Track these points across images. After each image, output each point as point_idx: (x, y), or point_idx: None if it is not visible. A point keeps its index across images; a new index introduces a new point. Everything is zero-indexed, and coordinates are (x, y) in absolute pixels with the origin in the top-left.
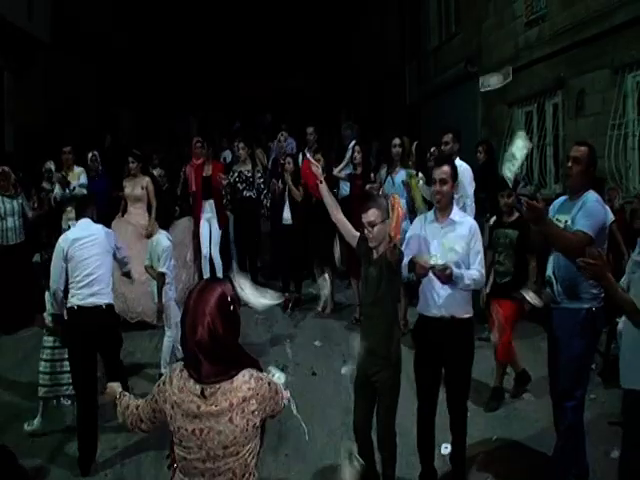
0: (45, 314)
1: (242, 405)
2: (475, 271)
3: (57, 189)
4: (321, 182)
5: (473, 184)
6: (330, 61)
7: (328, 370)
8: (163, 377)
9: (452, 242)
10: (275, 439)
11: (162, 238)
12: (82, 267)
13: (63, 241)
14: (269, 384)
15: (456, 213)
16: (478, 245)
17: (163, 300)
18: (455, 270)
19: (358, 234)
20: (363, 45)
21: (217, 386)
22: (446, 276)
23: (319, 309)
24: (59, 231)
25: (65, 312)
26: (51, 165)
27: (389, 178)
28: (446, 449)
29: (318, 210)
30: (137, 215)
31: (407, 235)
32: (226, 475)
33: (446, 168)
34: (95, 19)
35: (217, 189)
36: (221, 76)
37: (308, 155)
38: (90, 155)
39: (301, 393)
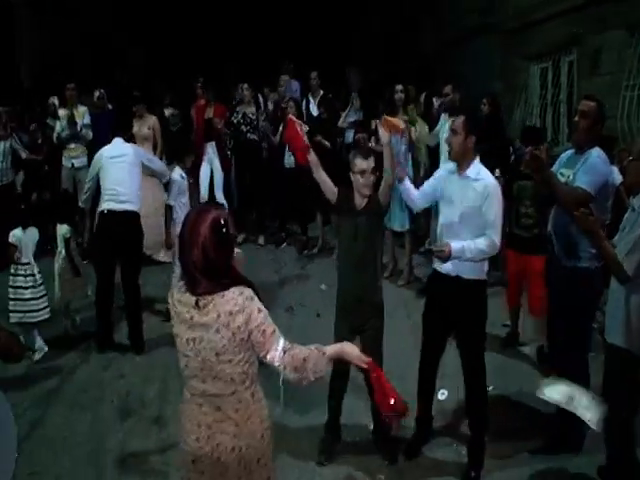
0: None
1: (228, 318)
2: (483, 239)
3: (59, 126)
4: (309, 149)
5: None
6: (344, 10)
7: (331, 313)
8: (170, 291)
9: (464, 199)
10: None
11: (173, 173)
12: (113, 180)
13: (98, 158)
14: (259, 310)
15: (474, 169)
16: (493, 209)
17: (172, 235)
18: (454, 247)
19: (337, 189)
20: None
21: (209, 298)
22: (445, 257)
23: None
24: (59, 169)
25: (96, 217)
26: (54, 100)
27: None
28: (443, 395)
29: (320, 154)
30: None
31: (435, 173)
32: (225, 379)
33: (458, 119)
34: None
35: (218, 131)
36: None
37: (292, 115)
38: (97, 93)
39: (305, 333)
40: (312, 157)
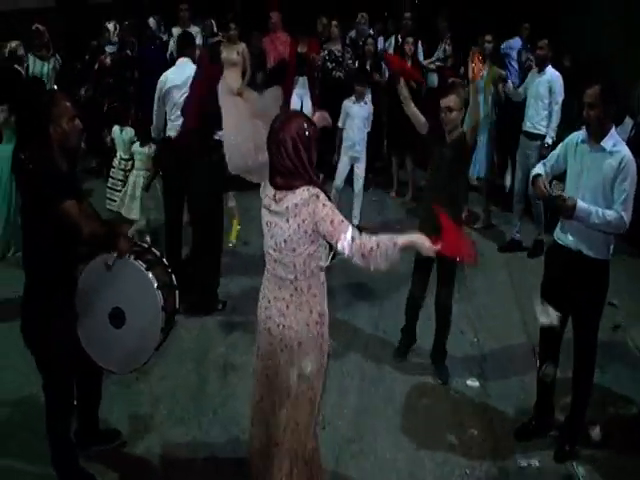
0: None
1: (295, 210)
2: (613, 212)
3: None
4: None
5: (562, 93)
6: None
7: None
8: (262, 182)
9: (597, 171)
10: None
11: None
12: (177, 107)
13: (162, 81)
14: (323, 205)
15: (610, 140)
16: (626, 184)
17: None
18: (581, 204)
19: (426, 121)
20: None
21: (284, 193)
22: (567, 209)
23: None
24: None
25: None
26: (110, 25)
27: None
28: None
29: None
30: (231, 79)
31: (559, 146)
32: (288, 266)
33: (593, 90)
34: None
35: (311, 68)
36: None
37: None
38: (110, 26)
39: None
40: (404, 92)
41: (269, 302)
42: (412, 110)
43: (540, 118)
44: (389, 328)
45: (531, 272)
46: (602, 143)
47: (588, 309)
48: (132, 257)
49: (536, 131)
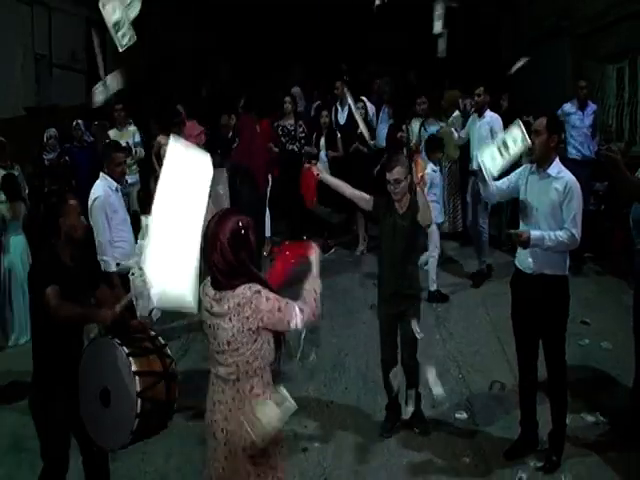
0: None
1: (237, 309)
2: (564, 232)
3: None
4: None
5: (502, 131)
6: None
7: None
8: (202, 283)
9: (546, 197)
10: None
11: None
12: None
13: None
14: (267, 299)
15: (555, 167)
16: (573, 205)
17: None
18: (534, 234)
19: (370, 197)
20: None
21: (224, 292)
22: (523, 242)
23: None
24: None
25: None
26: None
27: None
28: None
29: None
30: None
31: (513, 173)
32: (231, 367)
33: (541, 120)
34: None
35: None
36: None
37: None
38: (74, 124)
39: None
40: (335, 181)
41: (214, 405)
42: (352, 194)
43: None
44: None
45: (506, 304)
46: (548, 170)
47: (555, 323)
48: (115, 340)
49: None
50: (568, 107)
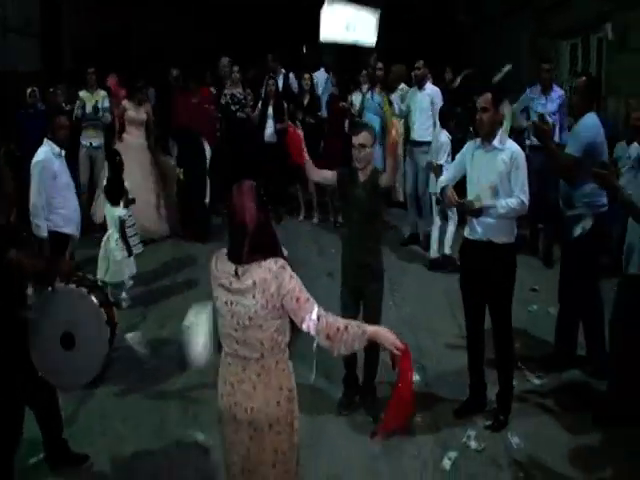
0: None
1: (263, 285)
2: (514, 199)
3: (77, 109)
4: (305, 161)
5: (441, 103)
6: None
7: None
8: (213, 258)
9: (493, 169)
10: None
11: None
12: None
13: None
14: (290, 278)
15: (499, 140)
16: (520, 172)
17: None
18: (486, 203)
19: (332, 172)
20: None
21: (247, 266)
22: (475, 211)
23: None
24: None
25: None
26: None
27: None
28: None
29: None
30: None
31: (458, 155)
32: (254, 345)
33: (486, 96)
34: None
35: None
36: None
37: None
38: (28, 90)
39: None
40: (307, 163)
41: (232, 387)
42: (319, 175)
43: (425, 127)
44: None
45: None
46: (494, 143)
47: (502, 290)
48: (74, 285)
49: (422, 139)
50: (530, 91)
